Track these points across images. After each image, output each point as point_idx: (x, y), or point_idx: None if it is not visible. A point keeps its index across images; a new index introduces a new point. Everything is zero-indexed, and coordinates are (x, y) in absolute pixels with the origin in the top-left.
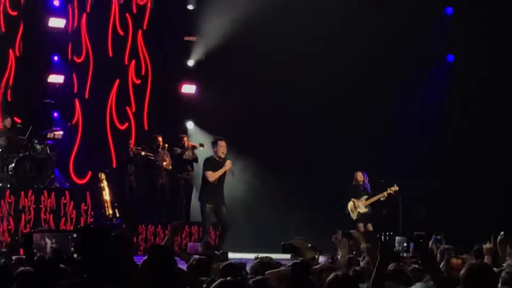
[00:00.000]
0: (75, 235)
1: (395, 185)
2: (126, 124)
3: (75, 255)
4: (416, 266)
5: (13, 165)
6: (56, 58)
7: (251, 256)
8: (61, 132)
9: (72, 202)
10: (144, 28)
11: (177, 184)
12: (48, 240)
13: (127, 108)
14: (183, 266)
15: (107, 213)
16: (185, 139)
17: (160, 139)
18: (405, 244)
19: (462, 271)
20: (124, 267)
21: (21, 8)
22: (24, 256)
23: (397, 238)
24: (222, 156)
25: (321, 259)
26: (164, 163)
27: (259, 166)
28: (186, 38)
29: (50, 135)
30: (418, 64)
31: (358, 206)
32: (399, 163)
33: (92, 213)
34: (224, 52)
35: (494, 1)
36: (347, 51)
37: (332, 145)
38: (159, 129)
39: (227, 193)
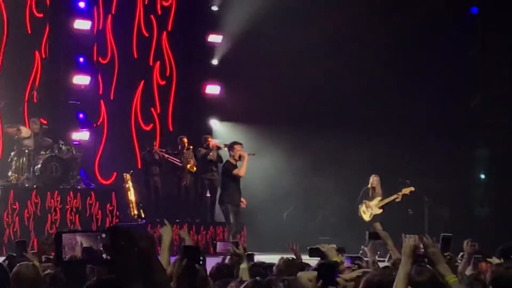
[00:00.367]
0: (104, 235)
1: (407, 183)
2: (151, 125)
3: (104, 255)
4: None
5: (39, 166)
6: (81, 59)
7: (271, 257)
8: (86, 133)
9: (97, 203)
10: (169, 29)
11: (202, 185)
12: (78, 240)
13: (152, 109)
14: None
15: (132, 213)
16: (210, 139)
17: (185, 140)
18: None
19: (488, 274)
20: (152, 267)
21: (47, 10)
22: (52, 256)
23: None
24: (238, 160)
25: (347, 261)
26: (189, 165)
27: (284, 165)
28: (210, 39)
29: (75, 136)
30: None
31: (370, 207)
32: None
33: (118, 213)
34: (248, 52)
35: None
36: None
37: (362, 143)
38: (184, 130)
39: (249, 191)
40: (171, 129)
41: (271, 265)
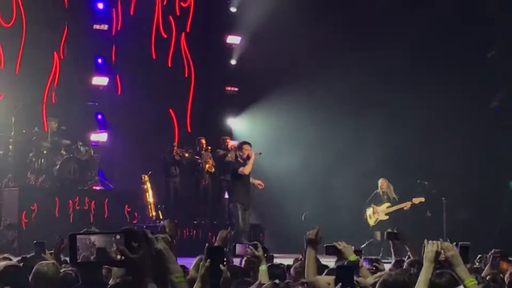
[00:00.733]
0: (118, 237)
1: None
2: (170, 126)
3: (118, 257)
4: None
5: (57, 167)
6: (100, 60)
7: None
8: (105, 134)
9: (116, 204)
10: (187, 30)
11: (220, 186)
12: (93, 241)
13: (171, 110)
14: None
15: (150, 214)
16: (228, 140)
17: (203, 141)
18: None
19: (507, 275)
20: (169, 269)
21: (65, 11)
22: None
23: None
24: (246, 159)
25: (364, 262)
26: (207, 165)
27: (300, 165)
28: (229, 40)
29: (94, 137)
30: None
31: (377, 212)
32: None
33: (136, 214)
34: (266, 53)
35: None
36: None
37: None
38: (202, 131)
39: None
40: (189, 130)
41: (289, 267)
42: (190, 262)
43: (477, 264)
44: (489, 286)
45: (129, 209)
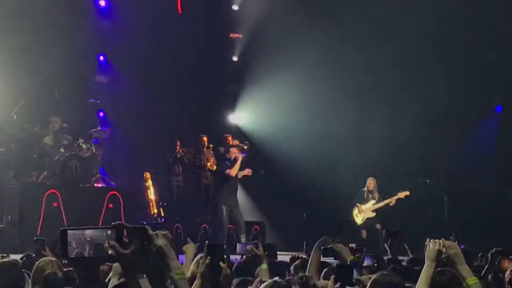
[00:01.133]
0: (109, 232)
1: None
2: (172, 124)
3: (109, 252)
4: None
5: (59, 164)
6: (102, 58)
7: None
8: (106, 131)
9: (117, 201)
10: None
11: None
12: (87, 236)
13: (173, 108)
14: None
15: (152, 212)
16: (230, 138)
17: (205, 139)
18: None
19: (507, 273)
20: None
21: (66, 8)
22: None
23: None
24: (233, 161)
25: (366, 260)
26: (208, 163)
27: (298, 167)
28: (232, 36)
29: (95, 134)
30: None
31: (363, 211)
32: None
33: (138, 212)
34: (268, 50)
35: None
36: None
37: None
38: (204, 129)
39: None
40: (191, 127)
41: (288, 264)
42: None
43: (478, 262)
44: (490, 284)
45: (130, 207)
